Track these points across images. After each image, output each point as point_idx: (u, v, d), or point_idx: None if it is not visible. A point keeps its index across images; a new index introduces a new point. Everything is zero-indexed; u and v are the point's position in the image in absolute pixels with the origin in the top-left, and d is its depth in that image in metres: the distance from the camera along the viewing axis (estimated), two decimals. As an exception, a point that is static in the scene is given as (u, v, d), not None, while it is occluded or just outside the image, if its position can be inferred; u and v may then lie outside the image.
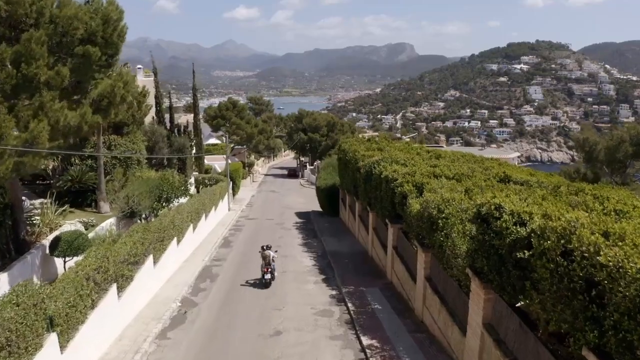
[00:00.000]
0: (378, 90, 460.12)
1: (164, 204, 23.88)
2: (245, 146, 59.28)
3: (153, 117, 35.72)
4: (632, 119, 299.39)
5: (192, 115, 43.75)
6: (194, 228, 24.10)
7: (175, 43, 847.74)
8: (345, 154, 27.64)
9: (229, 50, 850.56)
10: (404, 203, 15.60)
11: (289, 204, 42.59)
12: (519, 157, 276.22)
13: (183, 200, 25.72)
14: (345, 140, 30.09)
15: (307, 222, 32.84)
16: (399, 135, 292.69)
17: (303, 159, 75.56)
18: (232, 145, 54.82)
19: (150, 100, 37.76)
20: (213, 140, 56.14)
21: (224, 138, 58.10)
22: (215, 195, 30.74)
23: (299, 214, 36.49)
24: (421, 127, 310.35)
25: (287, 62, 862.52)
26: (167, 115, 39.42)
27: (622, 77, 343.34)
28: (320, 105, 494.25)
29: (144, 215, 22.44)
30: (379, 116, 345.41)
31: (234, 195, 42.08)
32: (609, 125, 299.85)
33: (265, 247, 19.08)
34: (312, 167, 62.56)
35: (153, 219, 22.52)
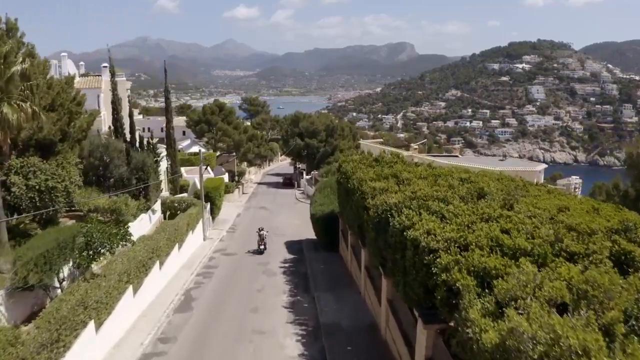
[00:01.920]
0: (378, 89, 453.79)
1: (94, 256, 16.89)
2: (234, 153, 52.24)
3: (110, 127, 28.71)
4: (635, 119, 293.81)
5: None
6: (136, 289, 17.12)
7: (175, 42, 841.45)
8: (346, 178, 20.66)
9: (229, 50, 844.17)
10: (454, 304, 8.67)
11: (279, 227, 35.55)
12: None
13: (127, 246, 18.67)
14: (347, 159, 23.03)
15: (299, 261, 25.79)
16: (402, 135, 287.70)
17: (300, 165, 68.52)
18: (217, 154, 47.81)
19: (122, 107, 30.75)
20: (197, 149, 49.03)
21: (205, 147, 51.06)
22: (180, 230, 23.71)
23: (290, 245, 29.48)
24: (422, 127, 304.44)
25: (287, 62, 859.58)
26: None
27: (624, 76, 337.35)
28: (320, 105, 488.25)
29: (58, 280, 15.45)
30: (379, 116, 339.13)
31: (213, 217, 35.05)
32: (612, 125, 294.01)
33: (260, 229, 28.31)
34: (309, 176, 55.55)
35: (80, 280, 15.55)
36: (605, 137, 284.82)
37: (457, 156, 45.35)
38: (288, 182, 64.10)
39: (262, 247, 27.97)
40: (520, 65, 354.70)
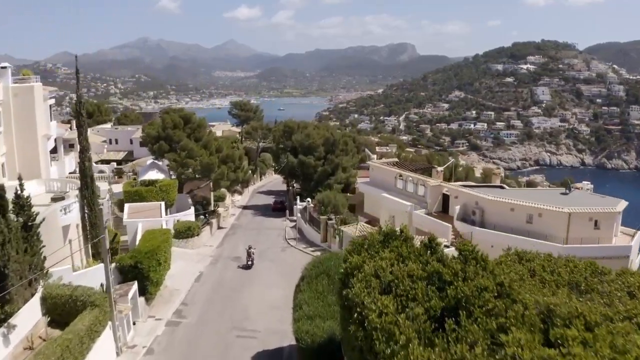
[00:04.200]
0: (380, 91, 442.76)
1: None
2: (208, 178, 39.61)
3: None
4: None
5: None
6: None
7: (176, 43, 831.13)
8: (359, 313, 8.43)
9: (229, 50, 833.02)
10: None
11: (250, 307, 23.13)
12: (523, 160, 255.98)
13: None
14: (357, 262, 10.47)
15: None
16: (404, 137, 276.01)
17: (295, 184, 56.12)
18: (177, 182, 35.28)
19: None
20: (154, 175, 36.28)
21: (166, 173, 38.48)
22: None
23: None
24: (425, 129, 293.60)
25: (288, 62, 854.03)
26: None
27: (631, 77, 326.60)
28: (321, 106, 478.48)
29: None
30: (381, 118, 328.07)
31: (149, 298, 22.49)
32: (619, 127, 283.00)
33: (249, 247, 30.78)
34: (302, 204, 43.01)
35: None
36: (613, 140, 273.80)
37: (502, 187, 32.88)
38: (279, 206, 51.84)
39: (249, 262, 29.99)
40: (524, 66, 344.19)
